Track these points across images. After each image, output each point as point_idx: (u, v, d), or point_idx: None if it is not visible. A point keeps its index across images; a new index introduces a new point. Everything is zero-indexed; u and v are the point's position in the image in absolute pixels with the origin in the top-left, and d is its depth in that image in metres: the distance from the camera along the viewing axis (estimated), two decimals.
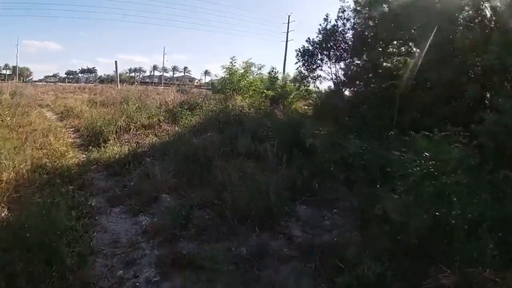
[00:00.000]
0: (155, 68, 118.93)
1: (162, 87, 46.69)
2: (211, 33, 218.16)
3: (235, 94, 17.21)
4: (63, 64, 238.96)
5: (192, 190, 7.03)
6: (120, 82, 45.15)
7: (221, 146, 8.84)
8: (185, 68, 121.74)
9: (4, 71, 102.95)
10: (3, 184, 7.36)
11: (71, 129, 14.06)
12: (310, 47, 13.46)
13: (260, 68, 19.70)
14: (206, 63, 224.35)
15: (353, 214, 6.22)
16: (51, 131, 12.28)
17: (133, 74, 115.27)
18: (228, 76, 18.49)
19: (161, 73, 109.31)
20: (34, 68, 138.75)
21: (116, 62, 44.81)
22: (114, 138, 11.10)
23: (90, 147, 10.84)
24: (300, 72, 14.10)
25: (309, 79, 14.17)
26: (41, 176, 8.08)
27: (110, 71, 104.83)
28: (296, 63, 13.89)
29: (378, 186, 5.86)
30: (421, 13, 8.31)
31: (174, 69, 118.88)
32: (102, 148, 10.42)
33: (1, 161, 7.90)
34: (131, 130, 12.00)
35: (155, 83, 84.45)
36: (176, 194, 6.95)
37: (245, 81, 17.94)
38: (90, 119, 13.91)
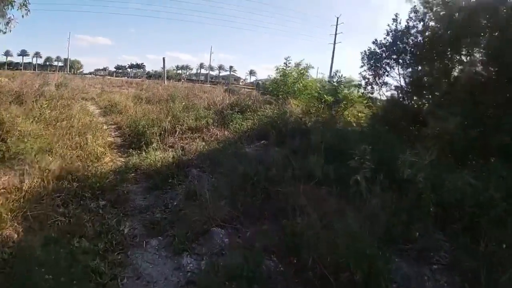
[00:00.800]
0: (201, 66, 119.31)
1: (209, 86, 45.88)
2: (257, 34, 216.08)
3: (289, 97, 15.63)
4: (113, 58, 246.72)
5: (252, 225, 5.34)
6: (167, 78, 44.61)
7: (286, 163, 7.14)
8: (231, 67, 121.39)
9: (56, 63, 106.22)
10: (24, 193, 6.07)
11: (113, 126, 12.87)
12: (378, 50, 11.57)
13: (307, 70, 18.05)
14: (250, 63, 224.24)
15: (463, 275, 4.38)
16: (91, 128, 11.08)
17: (180, 71, 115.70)
18: (281, 77, 16.87)
19: (207, 72, 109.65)
20: (85, 61, 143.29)
21: (164, 58, 43.93)
22: (158, 141, 9.72)
23: (131, 150, 9.50)
24: (364, 77, 12.17)
25: (374, 86, 12.27)
26: (70, 184, 6.77)
27: (158, 67, 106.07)
28: (361, 66, 11.99)
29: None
30: None
31: (220, 68, 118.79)
32: (144, 152, 9.06)
33: (24, 167, 6.65)
34: (177, 133, 10.55)
35: (201, 81, 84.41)
36: (232, 229, 5.30)
37: (300, 84, 16.27)
38: (134, 117, 12.65)
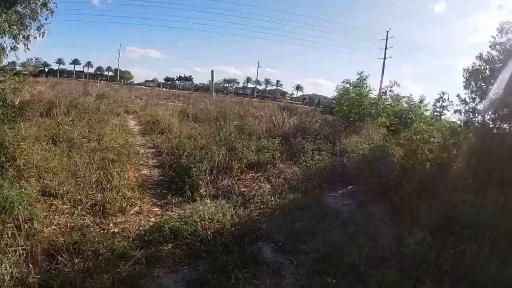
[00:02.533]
0: (248, 80, 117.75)
1: (257, 101, 43.14)
2: (302, 48, 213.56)
3: (366, 121, 12.55)
4: (163, 70, 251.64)
5: None
6: (214, 91, 42.18)
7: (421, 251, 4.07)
8: (278, 82, 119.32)
9: (106, 73, 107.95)
10: None
11: (152, 151, 10.16)
12: (486, 67, 8.18)
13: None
14: (295, 77, 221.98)
15: None
16: (122, 154, 8.42)
17: (226, 84, 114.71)
18: (356, 96, 13.68)
19: (254, 86, 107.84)
20: (135, 72, 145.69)
21: (212, 71, 42.02)
22: (207, 183, 6.81)
23: (170, 195, 6.58)
24: (464, 101, 8.61)
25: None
26: (70, 260, 4.04)
27: (205, 80, 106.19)
28: (466, 87, 8.55)
29: None
30: None
31: (267, 82, 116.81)
32: (187, 200, 6.25)
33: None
34: (233, 171, 7.57)
35: (247, 94, 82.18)
36: None
37: (381, 106, 13.07)
38: (178, 140, 9.90)
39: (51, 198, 5.88)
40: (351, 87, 14.66)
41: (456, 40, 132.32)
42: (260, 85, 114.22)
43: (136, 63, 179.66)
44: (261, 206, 6.18)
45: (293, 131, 11.77)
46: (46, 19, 9.71)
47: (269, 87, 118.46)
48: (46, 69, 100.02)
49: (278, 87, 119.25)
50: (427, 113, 14.00)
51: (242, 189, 6.88)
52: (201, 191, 6.45)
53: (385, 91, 13.44)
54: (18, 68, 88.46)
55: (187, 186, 6.50)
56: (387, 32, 50.46)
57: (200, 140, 9.79)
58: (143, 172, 8.03)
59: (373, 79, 75.17)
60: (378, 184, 6.90)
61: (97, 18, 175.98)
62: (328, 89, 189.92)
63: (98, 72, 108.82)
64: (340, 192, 7.65)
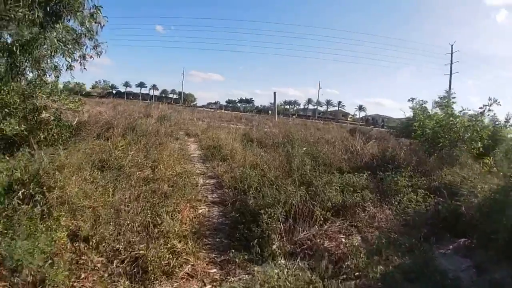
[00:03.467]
0: (309, 101, 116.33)
1: (321, 122, 41.30)
2: (362, 67, 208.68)
3: (459, 147, 10.49)
4: (224, 93, 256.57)
5: None
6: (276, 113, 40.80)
7: None
8: (339, 102, 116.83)
9: (171, 95, 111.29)
10: None
11: (212, 182, 8.67)
12: None
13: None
14: (355, 97, 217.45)
15: None
16: (178, 187, 7.00)
17: (287, 106, 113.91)
18: (445, 118, 11.52)
19: (315, 107, 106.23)
20: (198, 95, 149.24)
21: (274, 93, 40.27)
22: (281, 235, 5.09)
23: (232, 250, 4.89)
24: None
25: None
26: None
27: (266, 102, 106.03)
28: None
29: None
30: None
31: (328, 103, 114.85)
32: (255, 259, 4.59)
33: None
34: (316, 219, 5.74)
35: (310, 116, 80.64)
36: None
37: (478, 129, 10.81)
38: (241, 171, 8.30)
39: (83, 245, 4.51)
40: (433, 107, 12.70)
41: None
42: (321, 106, 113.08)
43: (199, 86, 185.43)
44: (356, 274, 4.39)
45: (376, 160, 9.87)
46: (96, 32, 9.42)
47: (330, 108, 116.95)
48: (114, 91, 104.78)
49: (340, 108, 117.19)
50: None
51: (327, 243, 5.11)
52: (273, 247, 4.76)
53: (483, 110, 11.07)
54: (88, 89, 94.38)
55: (255, 240, 4.82)
56: (452, 46, 47.60)
57: (268, 171, 8.17)
58: (200, 210, 6.51)
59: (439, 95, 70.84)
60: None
61: (162, 43, 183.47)
62: (390, 108, 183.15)
63: (163, 95, 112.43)
64: (451, 247, 5.73)
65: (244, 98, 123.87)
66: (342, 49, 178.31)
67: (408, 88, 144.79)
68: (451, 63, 48.42)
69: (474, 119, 11.01)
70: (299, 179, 7.14)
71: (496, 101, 10.79)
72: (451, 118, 11.15)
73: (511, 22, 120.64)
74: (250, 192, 6.47)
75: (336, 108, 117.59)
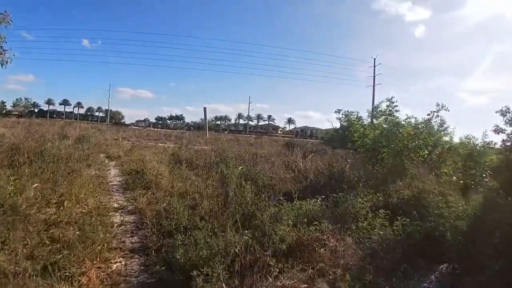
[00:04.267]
0: (240, 116, 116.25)
1: (253, 137, 40.39)
2: (290, 81, 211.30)
3: (404, 158, 9.77)
4: (154, 110, 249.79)
5: None
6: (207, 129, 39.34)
7: None
8: (269, 116, 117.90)
9: (97, 113, 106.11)
10: None
11: (132, 219, 6.96)
12: None
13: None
14: (284, 111, 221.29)
15: None
16: (87, 232, 5.31)
17: (218, 122, 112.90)
18: (388, 126, 10.82)
19: (246, 121, 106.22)
20: (126, 113, 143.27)
21: (205, 108, 38.97)
22: None
23: None
24: None
25: None
26: None
27: (197, 118, 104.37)
28: None
29: None
30: None
31: (259, 117, 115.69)
32: None
33: None
34: (266, 267, 4.29)
35: (241, 131, 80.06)
36: None
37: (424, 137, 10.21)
38: (168, 203, 6.77)
39: None
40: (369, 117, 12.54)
41: (437, 60, 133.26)
42: (252, 120, 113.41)
43: (127, 103, 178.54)
44: None
45: (323, 177, 8.75)
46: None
47: (261, 122, 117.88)
48: (36, 110, 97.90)
49: (270, 122, 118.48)
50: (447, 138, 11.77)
51: None
52: None
53: (431, 117, 10.43)
54: (9, 107, 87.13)
55: None
56: (374, 59, 49.75)
57: (200, 202, 6.69)
58: (114, 266, 4.85)
59: (364, 106, 74.05)
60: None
61: (88, 58, 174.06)
62: (318, 120, 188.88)
63: (89, 113, 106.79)
64: (433, 277, 4.80)
65: (174, 115, 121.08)
66: (271, 65, 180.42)
67: (334, 100, 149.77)
68: (374, 75, 50.73)
69: (420, 126, 10.36)
70: (239, 213, 5.70)
71: (444, 106, 10.20)
72: (396, 127, 10.43)
73: (428, 36, 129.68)
74: (179, 237, 4.94)
75: (267, 122, 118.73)
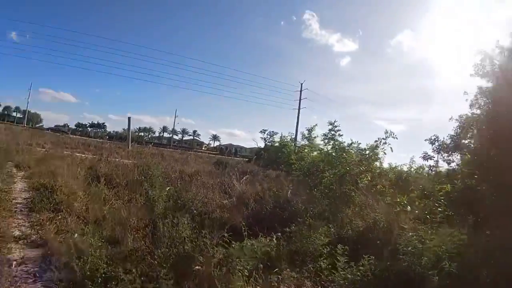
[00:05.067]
0: (164, 129, 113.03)
1: (179, 152, 38.73)
2: (218, 98, 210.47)
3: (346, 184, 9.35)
4: (75, 116, 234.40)
5: None
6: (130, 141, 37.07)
7: None
8: (195, 131, 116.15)
9: (15, 114, 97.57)
10: None
11: (34, 255, 5.45)
12: None
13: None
14: (211, 128, 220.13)
15: None
16: None
17: (142, 133, 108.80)
18: (331, 150, 10.60)
19: (171, 135, 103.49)
20: (46, 116, 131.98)
21: (129, 118, 36.75)
22: None
23: None
24: None
25: None
26: None
27: (120, 128, 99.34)
28: None
29: None
30: None
31: (184, 131, 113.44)
32: None
33: None
34: None
35: (165, 144, 77.29)
36: None
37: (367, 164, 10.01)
38: (81, 236, 5.47)
39: None
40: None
41: (358, 89, 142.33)
42: (176, 134, 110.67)
43: (48, 106, 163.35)
44: None
45: (266, 206, 7.98)
46: None
47: (186, 137, 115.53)
48: None
49: (195, 137, 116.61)
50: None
51: None
52: None
53: (377, 144, 10.20)
54: None
55: None
56: (301, 84, 51.23)
57: (122, 237, 5.47)
58: None
59: (288, 128, 75.64)
60: None
61: (8, 51, 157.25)
62: (242, 138, 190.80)
63: (6, 112, 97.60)
64: None
65: (96, 123, 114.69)
66: (201, 80, 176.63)
67: (259, 120, 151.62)
68: (300, 99, 51.97)
69: (366, 152, 10.21)
70: (173, 255, 4.62)
71: (392, 134, 9.99)
72: (341, 152, 10.16)
73: (351, 68, 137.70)
74: None
75: (192, 137, 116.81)
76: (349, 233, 6.66)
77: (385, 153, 10.17)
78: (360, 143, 10.71)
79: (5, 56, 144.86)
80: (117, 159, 17.77)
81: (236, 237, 5.23)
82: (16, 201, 8.49)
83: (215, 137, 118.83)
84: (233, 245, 4.85)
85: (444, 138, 10.42)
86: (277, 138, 15.99)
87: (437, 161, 9.97)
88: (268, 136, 15.44)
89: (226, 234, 5.16)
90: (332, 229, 6.60)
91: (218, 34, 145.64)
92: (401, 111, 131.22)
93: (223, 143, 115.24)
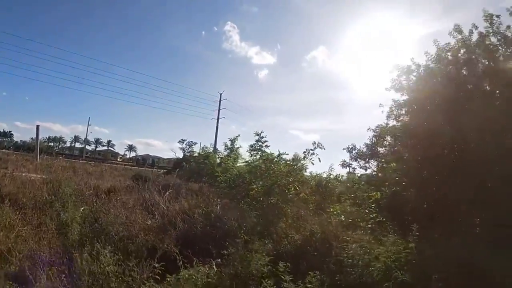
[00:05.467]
0: (76, 139, 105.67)
1: (92, 164, 36.16)
2: (134, 107, 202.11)
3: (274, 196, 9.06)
4: None
5: None
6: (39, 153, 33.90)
7: None
8: (109, 141, 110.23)
9: None
10: None
11: None
12: None
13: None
14: (126, 138, 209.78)
15: None
16: None
17: (52, 143, 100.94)
18: (259, 162, 10.18)
19: (83, 145, 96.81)
20: None
21: (38, 127, 33.30)
22: None
23: None
24: None
25: None
26: None
27: (28, 138, 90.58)
28: None
29: None
30: None
31: (97, 142, 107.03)
32: None
33: None
34: None
35: (77, 156, 71.98)
36: None
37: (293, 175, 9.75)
38: None
39: None
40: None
41: (274, 100, 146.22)
42: (89, 145, 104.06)
43: None
44: None
45: (195, 225, 7.30)
46: None
47: (99, 147, 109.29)
48: None
49: (110, 148, 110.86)
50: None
51: None
52: None
53: (305, 155, 9.98)
54: None
55: None
56: (221, 94, 51.55)
57: (32, 272, 4.50)
58: None
59: (207, 138, 75.49)
60: None
61: None
62: (160, 149, 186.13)
63: None
64: None
65: (2, 131, 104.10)
66: (115, 86, 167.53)
67: (177, 130, 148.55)
68: (219, 109, 52.33)
69: (294, 163, 9.94)
70: None
71: (320, 145, 9.81)
72: (270, 163, 9.78)
73: (269, 80, 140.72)
74: None
75: (106, 147, 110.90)
76: (287, 247, 6.31)
77: (313, 163, 10.04)
78: (287, 154, 10.45)
79: None
80: (23, 174, 15.82)
81: (169, 265, 4.54)
82: None
83: (131, 148, 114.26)
84: (167, 278, 4.14)
85: (360, 146, 11.74)
86: (196, 149, 15.24)
87: (354, 168, 10.66)
88: (187, 147, 14.86)
89: (157, 265, 4.42)
90: (269, 245, 6.16)
91: (134, 36, 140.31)
92: (316, 122, 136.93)
93: (140, 154, 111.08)
